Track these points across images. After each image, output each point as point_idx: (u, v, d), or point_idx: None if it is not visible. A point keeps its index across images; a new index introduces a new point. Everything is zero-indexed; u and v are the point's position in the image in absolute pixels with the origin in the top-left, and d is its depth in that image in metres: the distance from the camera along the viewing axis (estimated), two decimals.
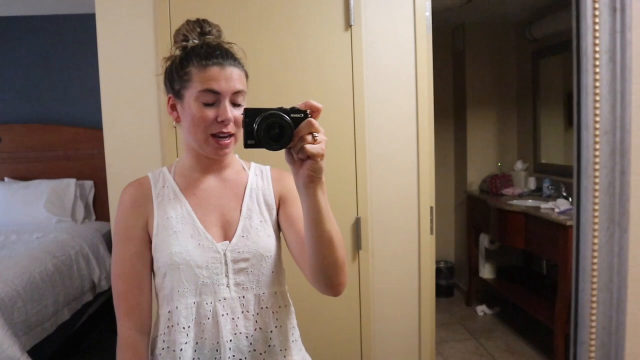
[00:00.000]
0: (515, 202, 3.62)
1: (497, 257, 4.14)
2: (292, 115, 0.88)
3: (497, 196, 3.94)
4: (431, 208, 2.20)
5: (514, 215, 3.46)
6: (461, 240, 4.58)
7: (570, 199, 3.31)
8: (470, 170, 4.38)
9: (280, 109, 0.88)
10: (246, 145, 0.89)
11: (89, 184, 3.88)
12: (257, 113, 0.88)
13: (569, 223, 2.89)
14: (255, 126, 0.88)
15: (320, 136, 0.88)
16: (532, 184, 4.01)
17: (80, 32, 3.88)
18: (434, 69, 2.17)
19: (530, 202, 3.55)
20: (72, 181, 3.76)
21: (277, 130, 0.87)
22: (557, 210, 3.14)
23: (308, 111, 0.89)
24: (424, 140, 2.14)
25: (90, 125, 3.85)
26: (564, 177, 3.65)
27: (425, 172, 2.15)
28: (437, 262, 4.22)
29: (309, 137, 0.87)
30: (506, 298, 3.88)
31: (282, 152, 0.91)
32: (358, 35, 2.04)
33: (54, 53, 3.96)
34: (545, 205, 3.30)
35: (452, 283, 4.54)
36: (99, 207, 3.90)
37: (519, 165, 4.14)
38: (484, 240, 4.07)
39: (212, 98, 1.06)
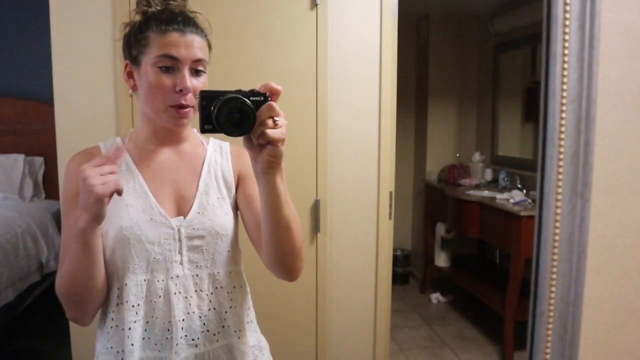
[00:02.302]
0: (472, 192, 3.69)
1: (452, 246, 4.22)
2: (251, 98, 0.84)
3: (455, 186, 4.00)
4: (390, 193, 2.21)
5: (470, 205, 3.52)
6: (418, 229, 4.65)
7: (524, 191, 3.39)
8: (430, 159, 4.43)
9: (239, 92, 0.84)
10: (203, 131, 0.85)
11: (38, 160, 3.71)
12: (215, 96, 0.84)
13: (523, 214, 2.96)
14: (214, 110, 0.83)
15: (281, 120, 0.85)
16: (488, 175, 4.09)
17: (29, 2, 3.68)
18: (398, 57, 2.16)
19: (486, 193, 3.62)
20: (20, 157, 3.60)
21: (238, 115, 0.83)
22: (512, 201, 3.21)
23: (267, 94, 0.86)
24: (386, 125, 2.14)
25: (41, 99, 3.68)
26: (519, 170, 3.74)
27: (386, 157, 2.15)
28: (394, 250, 4.24)
29: (270, 122, 0.84)
30: (460, 286, 3.96)
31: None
32: (324, 15, 2.01)
33: (1, 24, 3.75)
34: (500, 196, 3.37)
35: (408, 271, 4.60)
36: (49, 185, 3.74)
37: (477, 156, 4.22)
38: (441, 229, 4.14)
39: (170, 64, 1.01)
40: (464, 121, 4.48)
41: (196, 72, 1.04)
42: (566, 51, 0.60)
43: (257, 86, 0.87)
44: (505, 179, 3.80)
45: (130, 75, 1.08)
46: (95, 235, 0.94)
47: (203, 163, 1.14)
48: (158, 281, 1.04)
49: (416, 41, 4.57)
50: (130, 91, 1.11)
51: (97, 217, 0.90)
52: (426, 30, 4.38)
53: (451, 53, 4.38)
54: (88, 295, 1.00)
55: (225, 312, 1.09)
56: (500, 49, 4.14)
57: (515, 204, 3.15)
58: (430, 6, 4.13)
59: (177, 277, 1.05)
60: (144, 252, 1.03)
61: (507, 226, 3.14)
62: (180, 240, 1.06)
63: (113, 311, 1.05)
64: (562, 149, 0.61)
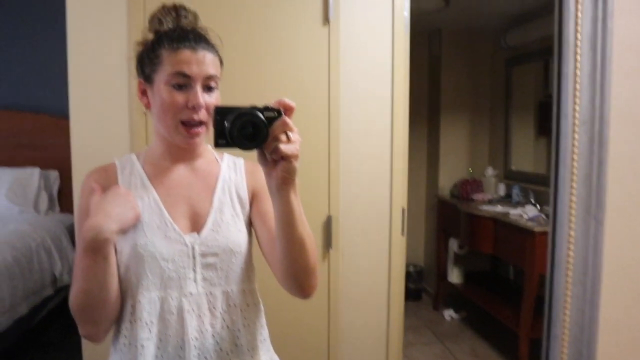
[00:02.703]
0: (484, 207, 3.66)
1: (465, 261, 4.17)
2: (265, 113, 0.85)
3: (468, 201, 3.97)
4: (403, 209, 2.20)
5: (483, 220, 3.49)
6: (431, 244, 4.61)
7: (538, 206, 3.36)
8: (442, 174, 4.41)
9: (253, 107, 0.85)
10: (217, 145, 0.86)
11: (54, 174, 3.75)
12: (229, 111, 0.85)
13: (536, 229, 2.92)
14: (227, 125, 0.85)
15: (294, 136, 0.86)
16: (502, 190, 4.06)
17: (47, 18, 3.75)
18: (410, 71, 2.17)
19: (499, 208, 3.59)
20: (36, 170, 3.63)
21: (251, 129, 0.84)
22: (525, 216, 3.18)
23: (281, 109, 0.87)
24: (398, 141, 2.13)
25: (58, 114, 3.72)
26: (533, 185, 3.71)
27: (398, 173, 2.15)
28: (407, 265, 4.22)
29: (283, 137, 0.85)
30: (473, 302, 3.91)
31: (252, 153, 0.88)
32: (336, 31, 2.02)
33: (19, 38, 3.82)
34: (514, 212, 3.34)
35: (420, 287, 4.56)
36: (64, 199, 3.78)
37: (490, 171, 4.19)
38: (453, 245, 4.10)
39: (183, 81, 1.02)
40: (477, 135, 4.46)
41: (208, 89, 1.05)
42: (578, 72, 0.60)
43: (270, 102, 0.88)
44: (519, 194, 3.77)
45: (143, 93, 1.10)
46: (112, 248, 0.98)
47: (217, 180, 1.14)
48: (172, 298, 1.04)
49: (428, 55, 4.58)
50: (145, 109, 1.12)
51: (125, 231, 1.00)
52: (438, 45, 4.39)
53: (463, 67, 4.38)
54: (103, 310, 1.00)
55: (239, 330, 1.09)
56: (512, 62, 4.13)
57: (529, 219, 3.12)
58: (442, 21, 4.14)
59: (191, 294, 1.05)
60: (158, 269, 1.03)
61: (520, 242, 3.10)
62: (194, 257, 1.06)
63: (126, 328, 1.04)
64: (574, 170, 0.61)
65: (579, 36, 0.60)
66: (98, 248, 0.95)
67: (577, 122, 0.61)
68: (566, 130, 0.62)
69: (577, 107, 0.61)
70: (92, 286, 0.97)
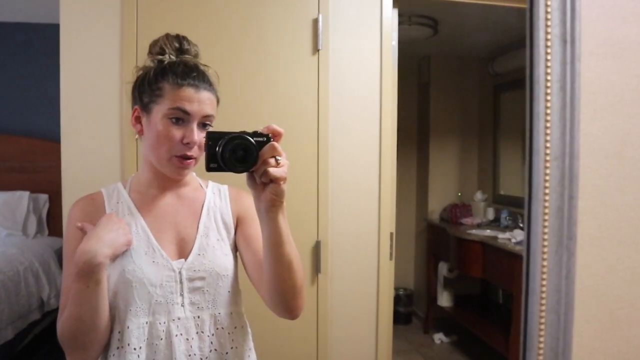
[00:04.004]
0: (474, 231, 3.69)
1: (455, 285, 4.18)
2: (255, 138, 0.89)
3: (457, 225, 4.00)
4: (391, 234, 2.21)
5: (472, 244, 3.52)
6: (421, 268, 4.62)
7: None
8: (432, 198, 4.44)
9: (244, 132, 0.89)
10: (208, 169, 0.89)
11: (43, 197, 3.74)
12: (221, 136, 0.89)
13: (524, 253, 2.95)
14: (219, 149, 0.88)
15: (282, 160, 0.89)
16: (490, 214, 4.10)
17: (39, 41, 3.78)
18: (399, 98, 2.21)
19: (488, 232, 3.63)
20: (25, 194, 3.63)
21: (242, 152, 0.88)
22: (513, 240, 3.21)
23: (270, 135, 0.90)
24: (386, 166, 2.16)
25: (48, 137, 3.74)
26: (521, 209, 3.75)
27: (386, 198, 2.17)
28: (397, 289, 4.24)
29: (272, 161, 0.88)
30: (463, 326, 3.91)
31: (239, 176, 0.91)
32: (325, 60, 2.06)
33: (11, 62, 3.85)
34: (502, 236, 3.37)
35: (410, 310, 4.56)
36: (53, 222, 3.76)
37: (479, 195, 4.24)
38: (443, 269, 4.12)
39: (181, 116, 1.05)
40: (466, 160, 4.52)
41: (203, 126, 1.08)
42: (548, 111, 0.63)
43: (260, 128, 0.91)
44: (507, 218, 3.81)
45: (137, 120, 1.12)
46: (105, 273, 1.00)
47: (202, 206, 1.17)
48: (160, 323, 1.05)
49: (417, 82, 4.65)
50: (137, 135, 1.14)
51: (116, 257, 1.02)
52: (427, 71, 4.47)
53: (452, 93, 4.45)
54: (94, 335, 1.01)
55: (227, 353, 1.10)
56: (500, 89, 4.21)
57: (517, 243, 3.15)
58: (430, 48, 4.22)
59: (179, 319, 1.06)
60: (146, 294, 1.04)
61: (509, 266, 3.13)
62: (181, 282, 1.07)
63: (114, 355, 1.05)
64: (547, 204, 0.64)
65: (549, 77, 0.64)
66: (91, 272, 0.96)
67: (548, 158, 0.65)
68: (538, 166, 0.65)
69: (548, 144, 0.64)
70: (84, 311, 0.98)
